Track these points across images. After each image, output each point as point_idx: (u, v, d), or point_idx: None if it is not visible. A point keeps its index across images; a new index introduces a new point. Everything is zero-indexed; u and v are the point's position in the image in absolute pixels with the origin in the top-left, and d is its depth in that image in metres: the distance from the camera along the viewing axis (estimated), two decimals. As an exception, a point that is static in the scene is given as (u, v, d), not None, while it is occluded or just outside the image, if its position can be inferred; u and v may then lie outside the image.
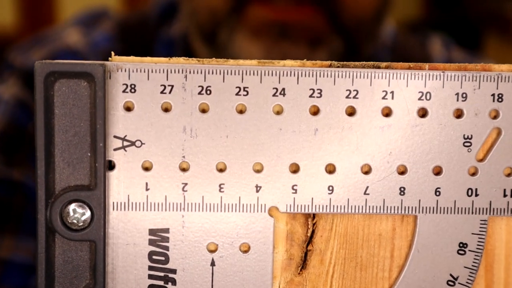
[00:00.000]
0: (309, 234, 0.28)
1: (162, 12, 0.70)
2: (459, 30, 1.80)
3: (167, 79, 0.26)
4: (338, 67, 0.27)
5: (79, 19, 0.71)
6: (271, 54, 0.57)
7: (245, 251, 0.28)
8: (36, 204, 0.26)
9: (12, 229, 0.59)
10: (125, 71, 0.26)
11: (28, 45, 0.68)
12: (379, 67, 0.27)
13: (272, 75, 0.27)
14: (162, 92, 0.26)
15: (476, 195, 0.28)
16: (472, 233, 0.28)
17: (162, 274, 0.28)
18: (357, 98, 0.27)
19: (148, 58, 0.27)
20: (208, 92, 0.27)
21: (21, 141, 0.62)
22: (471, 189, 0.28)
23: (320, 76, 0.27)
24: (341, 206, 0.27)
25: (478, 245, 0.28)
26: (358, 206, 0.27)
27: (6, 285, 0.58)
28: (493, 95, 0.27)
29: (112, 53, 0.27)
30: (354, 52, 0.61)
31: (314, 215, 0.28)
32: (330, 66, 0.27)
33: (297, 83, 0.27)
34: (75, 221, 0.26)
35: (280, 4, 0.57)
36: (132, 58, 0.27)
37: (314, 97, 0.27)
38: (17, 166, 0.61)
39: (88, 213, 0.26)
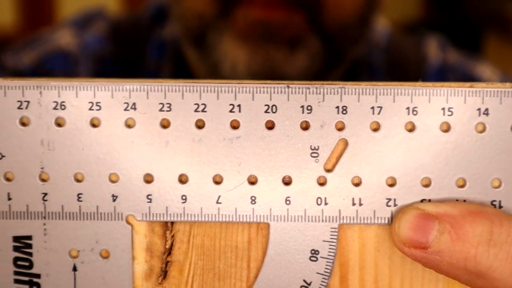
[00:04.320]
0: (167, 246, 0.29)
1: (155, 13, 0.71)
2: (459, 30, 1.80)
3: (23, 95, 0.28)
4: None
5: (72, 20, 0.72)
6: (255, 57, 0.58)
7: (106, 257, 0.29)
8: None
9: None
10: None
11: (20, 47, 0.69)
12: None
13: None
14: (19, 108, 0.28)
15: (326, 203, 0.29)
16: (323, 240, 0.29)
17: (27, 278, 0.29)
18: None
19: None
20: (63, 107, 0.28)
21: None
22: (320, 198, 0.29)
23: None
24: (195, 214, 0.29)
25: (329, 251, 0.29)
26: (211, 215, 0.29)
27: None
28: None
29: None
30: (336, 56, 0.61)
31: (172, 228, 0.29)
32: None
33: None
34: None
35: (263, 3, 0.57)
36: None
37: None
38: None
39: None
